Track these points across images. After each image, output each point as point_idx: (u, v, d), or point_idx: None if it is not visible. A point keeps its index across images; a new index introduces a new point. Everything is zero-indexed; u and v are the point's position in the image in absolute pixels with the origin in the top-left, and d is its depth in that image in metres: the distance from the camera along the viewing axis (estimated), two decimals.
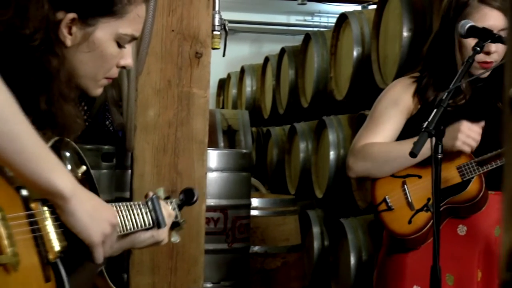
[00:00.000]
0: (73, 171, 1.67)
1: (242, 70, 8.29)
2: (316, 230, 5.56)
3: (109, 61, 1.70)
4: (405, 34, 4.29)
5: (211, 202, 3.86)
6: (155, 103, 3.14)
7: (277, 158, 6.92)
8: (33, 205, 1.53)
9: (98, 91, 1.75)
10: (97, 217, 1.58)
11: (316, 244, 5.53)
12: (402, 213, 2.60)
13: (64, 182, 1.51)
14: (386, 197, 2.62)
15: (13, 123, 1.41)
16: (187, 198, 2.07)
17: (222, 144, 6.17)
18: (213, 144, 5.74)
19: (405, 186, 2.61)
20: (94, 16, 1.65)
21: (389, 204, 2.61)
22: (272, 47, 8.47)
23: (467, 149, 2.52)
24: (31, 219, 1.51)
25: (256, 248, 4.68)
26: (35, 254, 1.51)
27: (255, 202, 4.69)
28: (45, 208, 1.55)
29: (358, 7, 6.98)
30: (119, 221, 1.75)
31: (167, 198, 2.05)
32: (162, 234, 1.91)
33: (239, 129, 6.47)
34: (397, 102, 2.68)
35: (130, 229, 1.81)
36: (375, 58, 4.72)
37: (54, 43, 1.61)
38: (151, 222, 1.87)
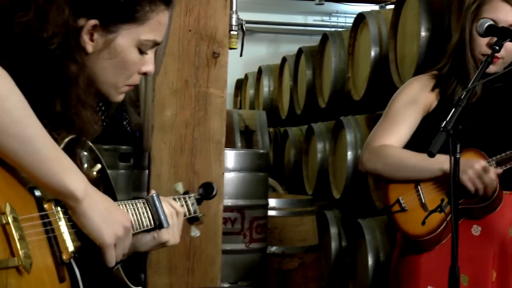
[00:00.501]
0: (88, 169, 1.67)
1: (260, 71, 8.28)
2: (333, 230, 5.55)
3: (130, 68, 1.69)
4: (423, 33, 4.26)
5: (228, 202, 3.85)
6: (172, 103, 3.14)
7: (295, 159, 6.90)
8: (46, 205, 1.53)
9: (119, 98, 1.74)
10: (109, 219, 1.58)
11: (333, 245, 5.51)
12: (415, 214, 2.59)
13: (76, 183, 1.51)
14: (400, 198, 2.61)
15: (25, 125, 1.42)
16: (206, 192, 2.06)
17: (239, 145, 6.16)
18: (230, 144, 5.74)
19: (419, 187, 2.60)
20: (116, 23, 1.64)
21: (403, 205, 2.60)
22: (290, 48, 8.46)
23: (470, 187, 2.50)
24: (45, 220, 1.51)
25: (274, 249, 4.67)
26: (49, 254, 1.51)
27: (272, 202, 4.68)
28: (59, 209, 1.55)
29: (375, 7, 6.95)
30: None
31: (185, 193, 2.04)
32: (165, 234, 1.85)
33: (256, 130, 6.45)
34: (415, 99, 2.67)
35: (136, 228, 1.77)
36: (392, 58, 4.70)
37: (73, 49, 1.60)
38: (151, 222, 1.83)
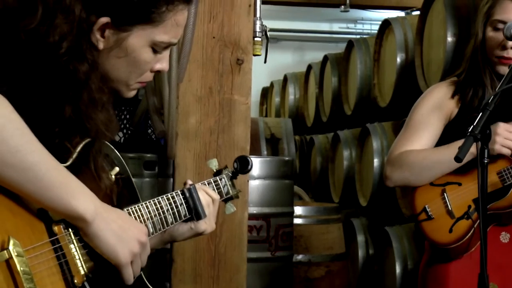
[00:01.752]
0: (106, 173, 1.63)
1: (285, 78, 8.28)
2: (360, 238, 5.51)
3: (142, 67, 1.63)
4: (449, 39, 4.23)
5: (253, 210, 3.83)
6: (197, 111, 3.13)
7: (321, 166, 6.89)
8: (56, 228, 1.49)
9: (130, 94, 1.69)
10: (124, 237, 1.54)
11: (360, 253, 5.48)
12: (442, 222, 2.55)
13: (85, 205, 1.46)
14: (426, 206, 2.58)
15: (25, 153, 1.37)
16: (242, 166, 2.03)
17: (265, 153, 6.15)
18: (256, 152, 5.73)
19: (445, 194, 2.57)
20: (129, 23, 1.58)
21: (429, 213, 2.57)
22: (315, 55, 8.45)
23: (507, 152, 2.47)
24: (55, 245, 1.47)
25: (300, 257, 4.65)
26: (60, 280, 1.46)
27: (298, 210, 4.65)
28: (69, 230, 1.50)
29: (401, 13, 6.91)
30: (159, 217, 1.73)
31: (218, 172, 2.02)
32: (202, 225, 1.88)
33: (282, 137, 6.44)
34: (437, 107, 2.64)
35: (172, 223, 1.79)
36: (419, 63, 4.66)
37: (84, 47, 1.55)
38: (187, 213, 1.84)
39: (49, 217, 1.48)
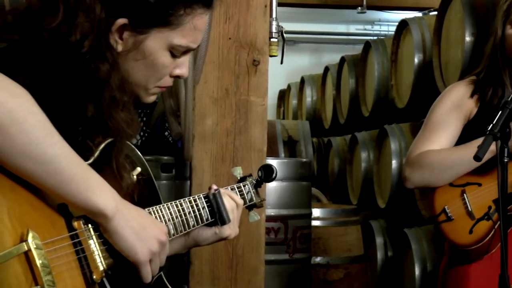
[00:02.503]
0: (127, 173, 1.62)
1: (302, 81, 8.28)
2: (379, 240, 5.49)
3: (160, 71, 1.63)
4: (467, 38, 4.19)
5: (271, 212, 3.82)
6: (213, 112, 3.12)
7: (338, 168, 6.87)
8: (75, 223, 1.48)
9: (150, 99, 1.68)
10: (143, 235, 1.53)
11: (379, 255, 5.45)
12: (462, 223, 2.53)
13: (105, 201, 1.46)
14: (446, 207, 2.55)
15: (46, 146, 1.36)
16: (266, 175, 2.04)
17: (282, 155, 6.15)
18: (273, 154, 5.72)
19: (465, 195, 2.54)
20: (146, 25, 1.57)
21: (449, 215, 2.54)
22: (332, 57, 8.43)
23: None
24: (75, 240, 1.47)
25: (318, 259, 4.63)
26: (79, 275, 1.46)
27: (316, 212, 4.64)
28: (89, 226, 1.50)
29: (418, 14, 6.88)
30: (180, 219, 1.73)
31: (242, 179, 2.02)
32: (227, 230, 1.89)
33: (299, 140, 6.44)
34: (456, 106, 2.61)
35: (194, 225, 1.79)
36: (436, 64, 4.63)
37: (103, 48, 1.55)
38: (209, 217, 1.85)
39: (69, 213, 1.48)
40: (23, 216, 1.38)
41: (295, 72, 9.29)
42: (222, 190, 1.90)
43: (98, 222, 1.49)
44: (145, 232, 1.53)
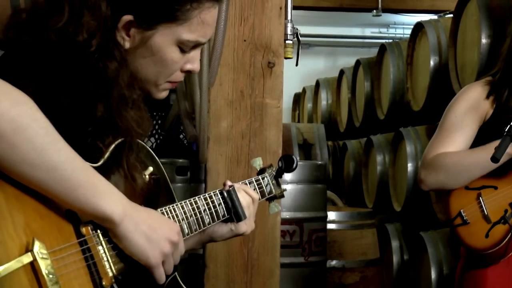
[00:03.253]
0: (139, 173, 1.60)
1: (317, 84, 8.27)
2: (395, 244, 5.46)
3: (169, 66, 1.61)
4: (483, 41, 4.17)
5: (286, 215, 3.81)
6: (228, 114, 3.12)
7: (354, 172, 6.85)
8: (84, 229, 1.46)
9: (161, 95, 1.66)
10: (154, 237, 1.50)
11: (395, 259, 5.43)
12: (478, 227, 2.50)
13: (113, 206, 1.43)
14: (461, 211, 2.53)
15: (50, 153, 1.34)
16: (287, 165, 2.01)
17: (298, 158, 6.12)
18: None
19: (481, 198, 2.52)
20: (152, 21, 1.55)
21: (465, 218, 2.52)
22: (347, 60, 8.42)
23: None
24: (83, 246, 1.45)
25: (334, 263, 4.61)
26: (88, 283, 1.44)
27: (332, 215, 4.62)
28: (98, 231, 1.48)
29: (434, 17, 6.86)
30: (195, 218, 1.71)
31: (262, 170, 2.00)
32: (243, 226, 1.87)
33: (314, 143, 6.43)
34: (472, 108, 2.58)
35: (209, 223, 1.78)
36: (452, 66, 4.61)
37: (112, 46, 1.53)
38: (226, 213, 1.83)
39: (78, 219, 1.46)
40: (29, 224, 1.36)
41: (310, 76, 9.29)
42: (237, 186, 1.88)
43: (107, 228, 1.47)
44: (155, 234, 1.51)
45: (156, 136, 4.17)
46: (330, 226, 4.50)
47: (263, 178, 1.99)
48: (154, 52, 1.57)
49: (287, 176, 3.85)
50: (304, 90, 8.87)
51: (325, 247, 4.10)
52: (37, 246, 1.33)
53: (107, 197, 1.43)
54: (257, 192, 1.95)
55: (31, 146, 1.32)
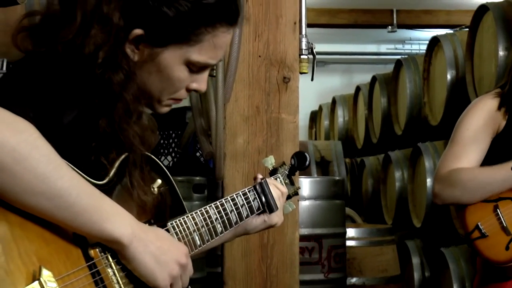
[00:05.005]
0: (147, 187, 1.57)
1: (334, 101, 8.26)
2: (415, 260, 5.42)
3: (175, 84, 1.58)
4: (501, 53, 4.15)
5: (304, 231, 3.78)
6: (244, 130, 3.10)
7: (372, 188, 6.83)
8: (92, 251, 1.43)
9: (163, 110, 1.63)
10: (163, 260, 1.47)
11: (416, 275, 5.38)
12: (497, 240, 2.47)
13: (121, 228, 1.41)
14: (479, 223, 2.49)
15: (53, 180, 1.31)
16: (299, 162, 2.02)
17: (315, 175, 6.11)
18: (306, 175, 5.68)
19: (498, 210, 2.48)
20: (163, 39, 1.52)
21: (483, 231, 2.48)
22: (363, 77, 8.40)
23: None
24: (92, 270, 1.41)
25: (354, 280, 4.57)
26: None
27: (351, 232, 4.59)
28: (106, 253, 1.45)
29: (450, 32, 6.84)
30: (206, 228, 1.69)
31: (274, 171, 2.01)
32: (275, 217, 1.92)
33: (332, 160, 6.41)
34: (484, 120, 2.55)
35: (236, 222, 1.80)
36: (470, 80, 4.59)
37: (120, 58, 1.50)
38: (261, 207, 1.88)
39: (85, 241, 1.43)
40: (35, 252, 1.33)
41: (326, 93, 9.28)
42: (268, 180, 1.92)
43: (116, 250, 1.44)
44: (164, 256, 1.48)
45: (173, 154, 4.17)
46: (349, 243, 4.47)
47: (275, 179, 1.99)
48: (161, 69, 1.55)
49: (304, 192, 3.83)
50: (320, 107, 8.87)
51: (345, 264, 4.06)
52: (45, 274, 1.30)
53: (114, 220, 1.40)
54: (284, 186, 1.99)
55: (33, 175, 1.29)
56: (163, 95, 1.60)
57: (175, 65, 1.55)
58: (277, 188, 1.93)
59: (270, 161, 2.00)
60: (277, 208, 1.90)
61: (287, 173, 2.02)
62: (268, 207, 1.89)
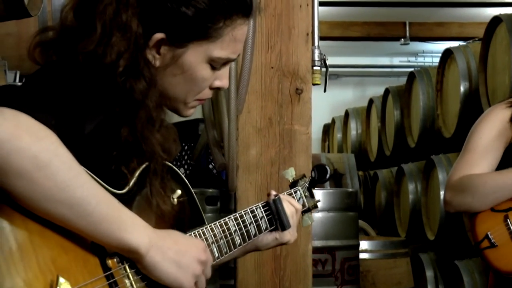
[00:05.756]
0: (167, 197, 1.57)
1: (346, 114, 8.25)
2: (429, 273, 5.39)
3: (200, 84, 1.59)
4: None
5: (318, 243, 3.76)
6: (257, 142, 3.10)
7: (386, 201, 6.80)
8: (109, 261, 1.42)
9: (189, 112, 1.64)
10: (183, 262, 1.47)
11: None
12: (507, 249, 2.45)
13: (138, 237, 1.40)
14: (488, 233, 2.48)
15: (73, 188, 1.32)
16: (320, 175, 2.00)
17: (328, 188, 6.09)
18: (319, 187, 5.67)
19: (508, 220, 2.47)
20: (184, 39, 1.53)
21: (492, 241, 2.46)
22: (376, 90, 8.40)
23: None
24: (110, 281, 1.41)
25: None
26: None
27: (364, 244, 4.57)
28: (124, 263, 1.44)
29: (463, 43, 6.83)
30: (225, 240, 1.68)
31: (294, 183, 1.99)
32: (287, 235, 1.89)
33: (345, 173, 6.39)
34: (497, 130, 2.55)
35: (255, 235, 1.78)
36: (483, 91, 4.58)
37: (142, 65, 1.50)
38: (273, 224, 1.85)
39: (103, 251, 1.43)
40: (53, 261, 1.33)
41: (339, 106, 9.28)
42: (282, 196, 1.89)
43: (134, 260, 1.44)
44: (184, 258, 1.48)
45: (186, 166, 4.17)
46: (363, 255, 4.45)
47: (295, 192, 1.97)
48: (184, 70, 1.55)
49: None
50: (333, 120, 8.86)
51: (358, 276, 4.04)
52: (62, 283, 1.30)
53: (132, 229, 1.40)
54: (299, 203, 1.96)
55: (53, 183, 1.30)
56: (188, 97, 1.60)
57: (198, 65, 1.56)
58: (291, 205, 1.90)
59: (291, 173, 1.98)
60: (290, 226, 1.87)
61: (307, 185, 2.00)
62: (281, 224, 1.86)
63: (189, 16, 1.51)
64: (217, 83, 1.62)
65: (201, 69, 1.57)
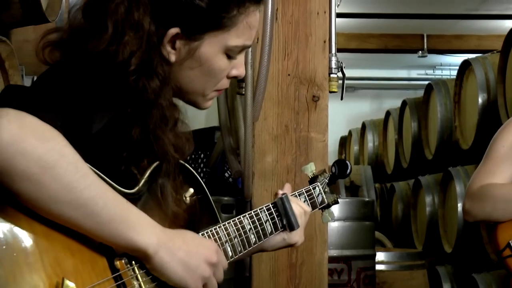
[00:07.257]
0: (179, 196, 1.55)
1: (363, 126, 8.23)
2: (447, 287, 5.36)
3: (217, 75, 1.58)
4: None
5: (333, 253, 3.74)
6: (273, 149, 3.09)
7: (402, 213, 6.77)
8: (117, 263, 1.41)
9: (207, 105, 1.63)
10: (192, 264, 1.45)
11: None
12: None
13: (146, 238, 1.39)
14: (510, 241, 2.45)
15: (80, 189, 1.31)
16: (340, 170, 1.96)
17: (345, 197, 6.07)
18: None
19: None
20: (199, 31, 1.52)
21: None
22: (393, 103, 8.38)
23: None
24: (118, 282, 1.39)
25: None
26: None
27: (381, 256, 4.54)
28: (133, 264, 1.43)
29: (481, 55, 6.80)
30: (239, 239, 1.66)
31: (313, 179, 1.96)
32: (295, 236, 1.84)
33: (362, 185, 6.38)
34: None
35: (255, 243, 1.72)
36: (502, 103, 4.54)
37: (155, 63, 1.49)
38: (281, 225, 1.80)
39: (111, 251, 1.41)
40: (60, 263, 1.31)
41: (356, 118, 9.25)
42: (289, 197, 1.85)
43: (143, 260, 1.43)
44: (193, 260, 1.46)
45: (202, 174, 4.16)
46: (379, 267, 4.41)
47: (314, 188, 1.94)
48: (202, 63, 1.55)
49: (334, 212, 3.78)
50: (350, 133, 8.84)
51: (374, 286, 4.00)
52: (68, 287, 1.28)
53: (140, 230, 1.39)
54: (308, 204, 1.91)
55: (59, 184, 1.29)
56: (207, 89, 1.60)
57: (215, 56, 1.56)
58: (299, 206, 1.86)
59: (310, 169, 1.96)
60: (298, 226, 1.82)
61: (327, 181, 1.97)
62: (289, 224, 1.81)
63: (203, 7, 1.51)
64: (234, 72, 1.62)
65: (218, 60, 1.56)
